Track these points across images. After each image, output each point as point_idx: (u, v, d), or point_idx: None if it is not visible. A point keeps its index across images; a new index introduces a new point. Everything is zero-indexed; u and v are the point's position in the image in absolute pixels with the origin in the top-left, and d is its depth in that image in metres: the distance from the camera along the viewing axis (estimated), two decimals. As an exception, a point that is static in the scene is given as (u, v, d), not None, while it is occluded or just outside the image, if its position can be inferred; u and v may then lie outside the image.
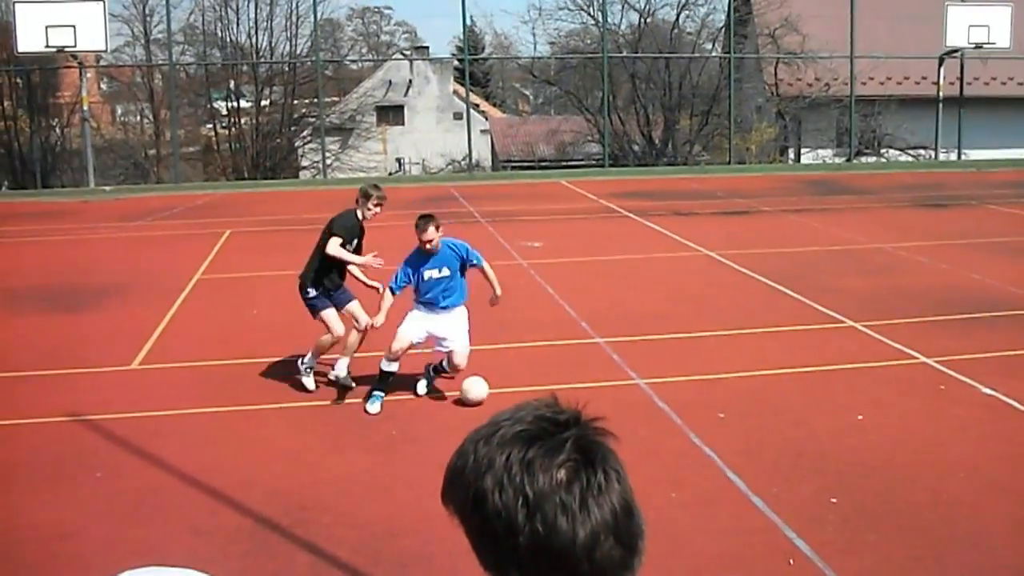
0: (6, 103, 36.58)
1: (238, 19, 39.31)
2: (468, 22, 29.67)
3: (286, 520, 6.55)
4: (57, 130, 37.18)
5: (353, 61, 48.72)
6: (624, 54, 36.49)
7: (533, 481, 1.36)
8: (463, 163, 35.37)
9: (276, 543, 6.32)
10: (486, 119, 47.46)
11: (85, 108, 27.36)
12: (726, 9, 34.85)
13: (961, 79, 31.78)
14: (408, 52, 51.05)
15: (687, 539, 6.03)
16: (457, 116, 42.39)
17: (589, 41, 38.91)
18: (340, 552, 6.17)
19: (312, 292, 9.08)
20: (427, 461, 6.72)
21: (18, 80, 36.01)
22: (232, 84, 40.03)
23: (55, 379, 9.81)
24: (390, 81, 46.11)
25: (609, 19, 35.41)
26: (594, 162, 35.49)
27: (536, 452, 1.38)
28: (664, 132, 36.98)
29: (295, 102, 39.58)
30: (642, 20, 37.98)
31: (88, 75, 28.70)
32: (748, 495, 6.61)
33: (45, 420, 8.56)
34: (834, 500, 6.55)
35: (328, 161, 32.96)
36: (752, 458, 7.27)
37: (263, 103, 39.23)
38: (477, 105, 45.62)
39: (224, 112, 40.30)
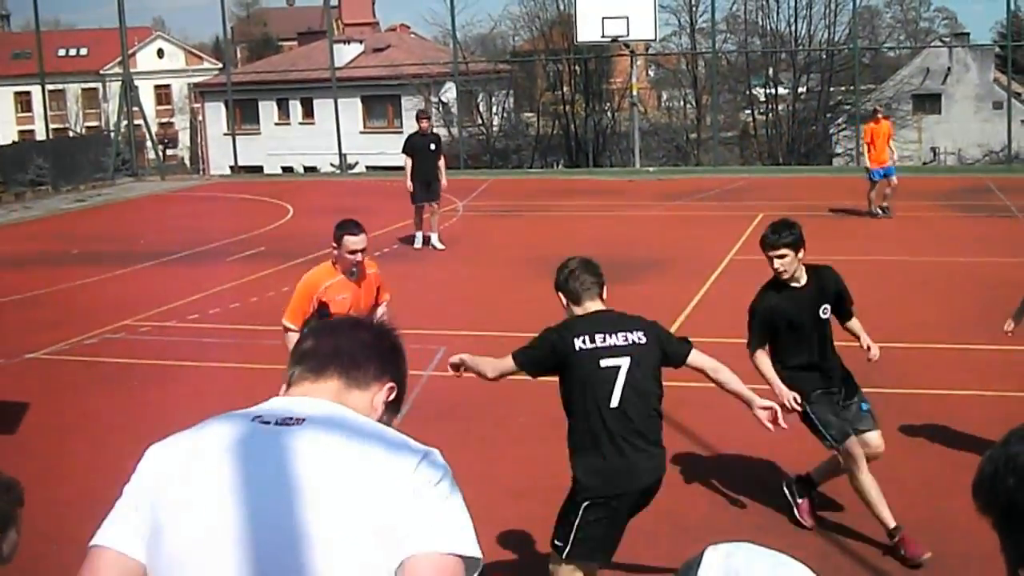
0: (565, 88, 39.80)
1: (778, 7, 39.69)
2: (1012, 6, 27.44)
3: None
4: (608, 114, 39.75)
5: (890, 48, 47.15)
6: None
7: None
8: (1001, 155, 33.10)
9: (785, 524, 6.63)
10: (1028, 108, 43.93)
11: (634, 93, 28.97)
12: None
13: None
14: (947, 39, 48.42)
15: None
16: (997, 105, 39.65)
17: None
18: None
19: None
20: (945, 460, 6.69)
21: (576, 67, 38.99)
22: (770, 71, 40.47)
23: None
24: (927, 69, 44.07)
25: None
26: None
27: None
28: None
29: (831, 89, 39.20)
30: None
31: (638, 62, 30.31)
32: None
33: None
34: None
35: (862, 149, 32.30)
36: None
37: (800, 90, 39.28)
38: (1019, 94, 42.23)
39: (762, 98, 40.88)
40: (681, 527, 6.48)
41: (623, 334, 4.95)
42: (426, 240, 16.70)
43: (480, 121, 40.71)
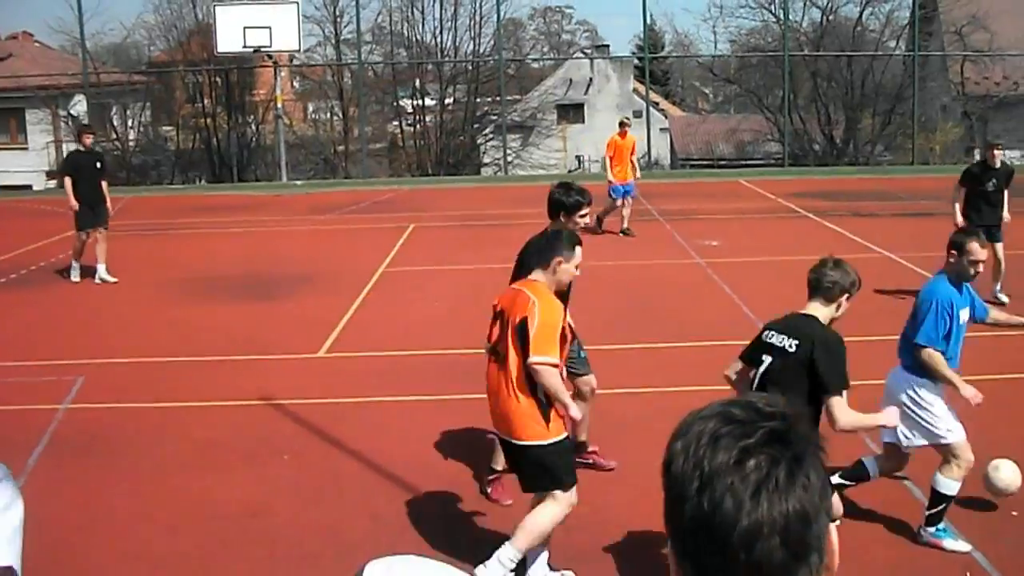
0: (206, 101, 38.45)
1: (423, 19, 40.24)
2: (648, 21, 29.66)
3: (467, 507, 6.78)
4: (252, 127, 38.77)
5: (535, 60, 49.22)
6: (805, 52, 35.73)
7: (714, 457, 1.36)
8: (642, 161, 35.30)
9: (450, 531, 6.55)
10: (665, 117, 47.15)
11: (279, 106, 28.45)
12: (911, 6, 33.71)
13: None
14: (589, 51, 51.20)
15: (863, 546, 5.97)
16: (637, 114, 42.33)
17: (770, 39, 38.30)
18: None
19: None
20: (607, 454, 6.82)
21: (217, 79, 37.76)
22: (417, 82, 40.98)
23: (248, 364, 10.35)
24: (571, 80, 46.30)
25: (791, 16, 34.78)
26: (773, 161, 34.85)
27: (727, 430, 1.37)
28: (845, 131, 36.10)
29: (478, 100, 40.24)
30: (824, 17, 37.21)
31: (282, 74, 29.84)
32: (924, 503, 6.49)
33: (238, 403, 9.05)
34: (1015, 513, 6.37)
35: (509, 158, 33.40)
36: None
37: (447, 101, 40.03)
38: (657, 103, 45.35)
39: (409, 110, 41.30)
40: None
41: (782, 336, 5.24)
42: (88, 271, 14.75)
43: (115, 136, 38.58)
